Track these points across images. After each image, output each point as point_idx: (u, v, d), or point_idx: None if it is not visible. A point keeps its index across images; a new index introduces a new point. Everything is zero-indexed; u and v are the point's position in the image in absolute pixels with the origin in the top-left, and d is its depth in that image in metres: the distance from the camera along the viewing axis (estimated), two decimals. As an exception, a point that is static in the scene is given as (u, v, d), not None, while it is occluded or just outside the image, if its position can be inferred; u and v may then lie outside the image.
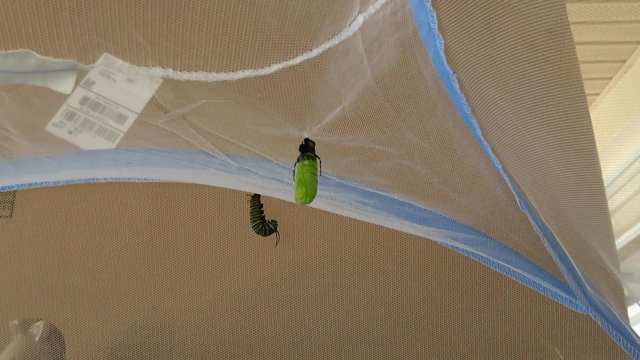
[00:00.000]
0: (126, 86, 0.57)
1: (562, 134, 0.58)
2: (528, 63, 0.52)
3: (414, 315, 0.93)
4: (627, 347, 0.77)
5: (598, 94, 1.85)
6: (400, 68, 0.59)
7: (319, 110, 0.64)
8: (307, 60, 0.57)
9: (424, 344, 0.92)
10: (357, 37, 0.56)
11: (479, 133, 0.59)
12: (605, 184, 0.63)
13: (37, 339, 0.80)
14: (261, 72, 0.58)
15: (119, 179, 0.90)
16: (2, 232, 0.94)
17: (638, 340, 0.74)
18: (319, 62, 0.58)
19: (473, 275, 0.92)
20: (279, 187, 0.77)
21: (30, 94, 0.59)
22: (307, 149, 0.66)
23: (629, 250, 1.66)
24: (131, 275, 0.93)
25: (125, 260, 0.94)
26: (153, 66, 0.57)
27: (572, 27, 0.51)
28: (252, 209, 0.93)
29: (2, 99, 0.60)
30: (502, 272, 0.87)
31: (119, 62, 0.56)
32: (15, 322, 0.83)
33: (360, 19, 0.54)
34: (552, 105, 0.55)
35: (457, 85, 0.55)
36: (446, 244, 0.89)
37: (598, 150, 0.59)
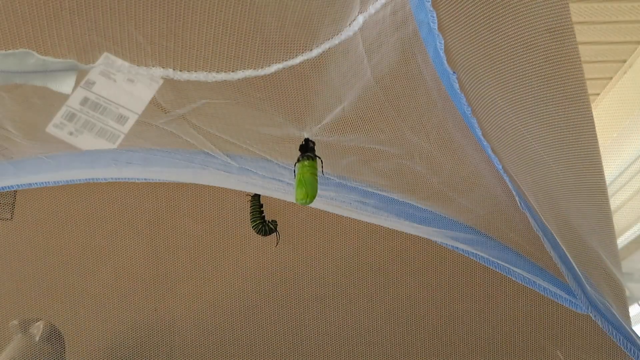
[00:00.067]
0: (126, 86, 0.57)
1: (562, 134, 0.58)
2: (528, 63, 0.52)
3: (414, 315, 0.93)
4: (627, 347, 0.76)
5: (598, 94, 1.85)
6: (400, 68, 0.59)
7: (319, 110, 0.64)
8: (307, 60, 0.57)
9: (424, 344, 0.92)
10: (357, 37, 0.56)
11: (479, 133, 0.59)
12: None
13: (37, 339, 0.80)
14: (261, 72, 0.58)
15: (119, 179, 0.90)
16: (2, 232, 0.94)
17: (638, 341, 0.74)
18: (319, 62, 0.58)
19: (473, 275, 0.92)
20: (279, 187, 0.77)
21: (30, 94, 0.59)
22: (307, 149, 0.66)
23: (629, 250, 1.66)
24: (131, 275, 0.93)
25: (125, 260, 0.94)
26: (153, 66, 0.57)
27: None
28: (252, 209, 0.93)
29: (2, 99, 0.60)
30: (502, 272, 0.86)
31: (119, 62, 0.56)
32: (15, 322, 0.83)
33: (360, 19, 0.54)
34: (552, 105, 0.55)
35: (457, 85, 0.55)
36: (446, 244, 0.89)
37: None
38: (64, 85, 0.53)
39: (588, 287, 0.74)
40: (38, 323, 0.82)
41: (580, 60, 0.52)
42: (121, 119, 0.58)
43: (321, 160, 0.67)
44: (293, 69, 0.58)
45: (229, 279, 0.94)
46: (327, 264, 0.94)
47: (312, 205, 0.68)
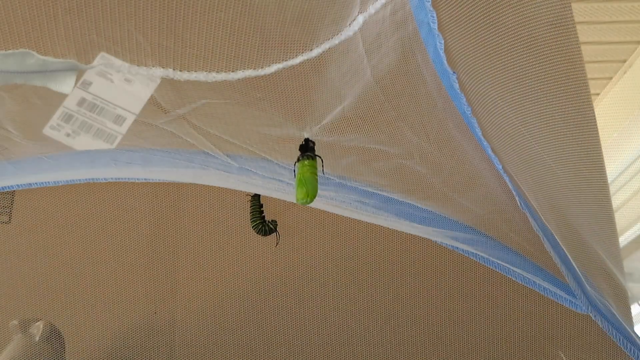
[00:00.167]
0: (124, 87, 0.57)
1: (562, 133, 0.58)
2: (528, 62, 0.52)
3: (414, 315, 0.93)
4: (627, 347, 0.76)
5: (598, 94, 1.85)
6: (400, 68, 0.59)
7: (319, 110, 0.64)
8: (307, 60, 0.57)
9: (424, 344, 0.92)
10: (357, 37, 0.56)
11: (479, 133, 0.59)
12: (605, 184, 0.63)
13: (37, 339, 0.80)
14: (261, 72, 0.58)
15: (119, 179, 0.90)
16: (1, 232, 0.94)
17: (638, 340, 0.74)
18: (319, 62, 0.58)
19: (473, 275, 0.92)
20: (279, 187, 0.77)
21: (30, 94, 0.59)
22: (307, 148, 0.66)
23: (629, 250, 1.66)
24: (131, 275, 0.93)
25: (125, 260, 0.94)
26: (153, 66, 0.57)
27: (572, 27, 0.51)
28: (252, 209, 0.93)
29: (2, 99, 0.60)
30: (502, 272, 0.86)
31: (119, 62, 0.56)
32: (15, 322, 0.83)
33: (360, 19, 0.54)
34: (552, 104, 0.55)
35: (457, 85, 0.55)
36: (446, 244, 0.89)
37: (598, 151, 0.59)
38: (64, 85, 0.53)
39: (588, 287, 0.74)
40: (38, 323, 0.82)
41: (581, 58, 0.52)
42: (119, 120, 0.58)
43: (321, 160, 0.67)
44: (293, 68, 0.58)
45: (229, 279, 0.94)
46: (327, 264, 0.94)
47: (312, 205, 0.68)
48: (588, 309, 0.79)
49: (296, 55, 0.57)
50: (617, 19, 1.56)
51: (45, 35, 0.52)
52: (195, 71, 0.58)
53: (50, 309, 0.91)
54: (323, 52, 0.57)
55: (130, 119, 0.59)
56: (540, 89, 0.54)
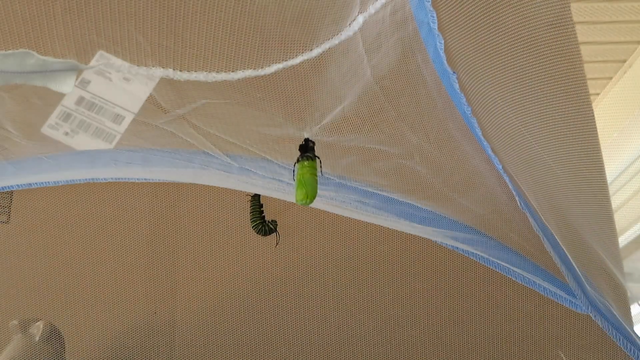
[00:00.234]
0: (122, 85, 0.57)
1: (562, 133, 0.58)
2: (528, 62, 0.52)
3: (414, 315, 0.93)
4: (627, 347, 0.76)
5: (598, 94, 1.85)
6: (400, 68, 0.59)
7: (319, 110, 0.64)
8: (307, 60, 0.57)
9: (424, 344, 0.92)
10: (357, 37, 0.56)
11: (479, 133, 0.59)
12: (605, 184, 0.63)
13: (37, 339, 0.80)
14: (261, 72, 0.58)
15: (119, 179, 0.90)
16: (1, 232, 0.94)
17: (638, 340, 0.74)
18: (319, 62, 0.58)
19: (473, 275, 0.92)
20: (279, 187, 0.77)
21: (30, 94, 0.59)
22: (307, 148, 0.66)
23: (629, 250, 1.66)
24: (131, 275, 0.93)
25: (125, 260, 0.94)
26: (153, 66, 0.56)
27: (572, 27, 0.51)
28: (252, 209, 0.93)
29: (2, 99, 0.60)
30: (502, 272, 0.86)
31: (118, 61, 0.56)
32: (15, 322, 0.83)
33: (360, 19, 0.54)
34: (552, 104, 0.55)
35: (457, 85, 0.55)
36: (446, 244, 0.89)
37: (598, 151, 0.59)
38: (64, 85, 0.53)
39: (588, 287, 0.74)
40: (38, 323, 0.82)
41: (581, 58, 0.52)
42: (117, 119, 0.58)
43: (320, 161, 0.67)
44: (293, 68, 0.58)
45: (229, 279, 0.94)
46: (327, 264, 0.94)
47: (312, 205, 0.68)
48: (588, 309, 0.79)
49: (296, 55, 0.57)
50: (617, 19, 1.56)
51: (44, 35, 0.52)
52: (195, 71, 0.58)
53: (50, 309, 0.91)
54: (323, 52, 0.57)
55: (128, 118, 0.59)
56: (540, 88, 0.54)
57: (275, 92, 0.62)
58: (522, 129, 0.57)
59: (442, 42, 0.52)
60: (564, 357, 0.88)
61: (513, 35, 0.50)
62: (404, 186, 0.75)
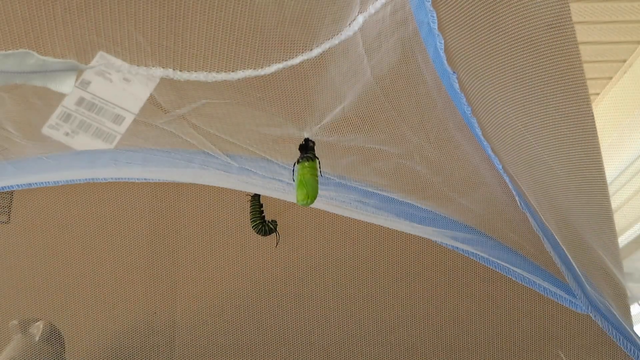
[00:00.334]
0: (122, 86, 0.57)
1: (561, 132, 0.58)
2: (528, 62, 0.52)
3: (414, 315, 0.93)
4: (627, 347, 0.76)
5: (598, 94, 1.85)
6: (400, 68, 0.59)
7: (319, 110, 0.64)
8: (307, 60, 0.57)
9: (424, 344, 0.92)
10: (357, 37, 0.56)
11: (479, 133, 0.59)
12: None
13: (36, 339, 0.80)
14: (261, 72, 0.58)
15: (118, 179, 0.90)
16: (1, 232, 0.94)
17: (638, 340, 0.74)
18: (319, 62, 0.58)
19: (473, 275, 0.92)
20: (279, 187, 0.77)
21: (30, 94, 0.59)
22: (307, 148, 0.66)
23: (629, 250, 1.66)
24: (131, 275, 0.93)
25: (125, 260, 0.94)
26: (153, 66, 0.56)
27: (572, 26, 0.51)
28: (252, 209, 0.93)
29: (2, 99, 0.60)
30: (502, 272, 0.86)
31: (118, 62, 0.56)
32: (15, 322, 0.82)
33: (360, 19, 0.54)
34: (552, 103, 0.55)
35: (457, 85, 0.55)
36: (446, 244, 0.89)
37: (598, 150, 0.59)
38: (64, 85, 0.53)
39: (588, 287, 0.74)
40: (38, 323, 0.82)
41: (580, 58, 0.52)
42: (117, 119, 0.58)
43: (319, 161, 0.67)
44: (293, 68, 0.58)
45: (229, 279, 0.94)
46: (327, 264, 0.94)
47: (312, 205, 0.68)
48: (588, 309, 0.79)
49: (296, 55, 0.57)
50: (617, 19, 1.57)
51: (44, 35, 0.52)
52: (195, 71, 0.58)
53: (50, 309, 0.91)
54: (323, 52, 0.57)
55: (129, 119, 0.59)
56: (540, 88, 0.54)
57: (275, 92, 0.62)
58: (522, 129, 0.57)
59: (442, 42, 0.52)
60: (563, 357, 0.88)
61: (513, 35, 0.50)
62: (404, 186, 0.75)
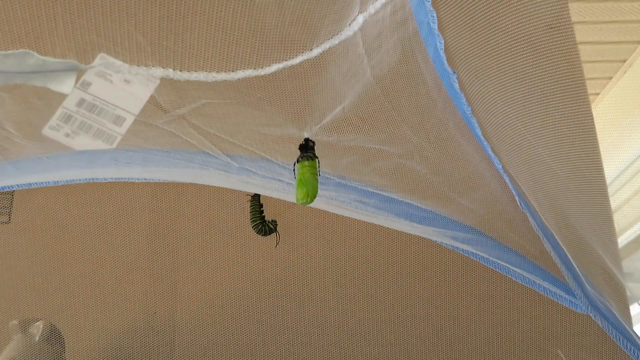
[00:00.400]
0: (123, 87, 0.57)
1: (561, 132, 0.58)
2: (528, 62, 0.52)
3: (414, 315, 0.93)
4: (627, 347, 0.77)
5: (598, 94, 1.85)
6: (400, 68, 0.59)
7: (319, 110, 0.64)
8: (307, 60, 0.57)
9: (424, 344, 0.92)
10: (357, 37, 0.56)
11: (479, 133, 0.59)
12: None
13: (36, 339, 0.80)
14: (261, 72, 0.58)
15: (118, 179, 0.90)
16: (1, 232, 0.94)
17: (638, 340, 0.74)
18: (319, 62, 0.58)
19: (473, 275, 0.92)
20: (279, 187, 0.77)
21: (30, 94, 0.59)
22: (307, 148, 0.66)
23: (629, 250, 1.66)
24: (131, 275, 0.93)
25: (125, 260, 0.94)
26: (153, 66, 0.57)
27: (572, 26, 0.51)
28: (252, 209, 0.93)
29: (2, 99, 0.60)
30: (502, 272, 0.86)
31: (118, 62, 0.56)
32: (15, 322, 0.82)
33: (360, 19, 0.54)
34: (551, 103, 0.55)
35: (457, 85, 0.55)
36: (446, 244, 0.89)
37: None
38: (64, 85, 0.53)
39: (588, 287, 0.74)
40: (38, 323, 0.82)
41: (579, 58, 0.52)
42: (118, 120, 0.58)
43: (318, 161, 0.67)
44: (293, 68, 0.58)
45: (229, 279, 0.94)
46: (327, 264, 0.94)
47: (312, 205, 0.68)
48: (588, 309, 0.79)
49: (296, 55, 0.57)
50: (617, 19, 1.56)
51: (44, 36, 0.52)
52: (195, 71, 0.58)
53: (50, 309, 0.91)
54: (323, 52, 0.57)
55: (129, 120, 0.59)
56: (540, 88, 0.54)
57: (275, 92, 0.62)
58: (522, 129, 0.57)
59: (442, 42, 0.52)
60: (563, 357, 0.88)
61: (513, 35, 0.50)
62: (404, 186, 0.75)
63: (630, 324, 0.75)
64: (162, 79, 0.58)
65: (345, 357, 0.91)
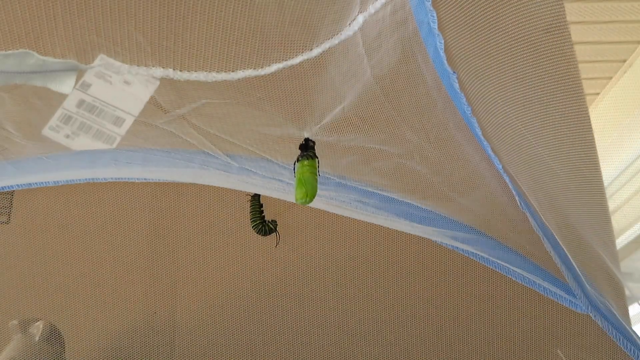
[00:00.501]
0: (123, 88, 0.57)
1: (560, 132, 0.58)
2: (528, 62, 0.52)
3: (414, 315, 0.93)
4: (627, 347, 0.77)
5: (598, 94, 1.85)
6: (400, 68, 0.59)
7: (319, 110, 0.64)
8: (307, 60, 0.57)
9: (424, 344, 0.92)
10: (357, 36, 0.56)
11: (479, 133, 0.59)
12: (605, 184, 0.63)
13: (36, 339, 0.80)
14: (261, 72, 0.58)
15: (119, 179, 0.90)
16: (1, 232, 0.94)
17: (638, 340, 0.74)
18: (319, 61, 0.58)
19: (473, 275, 0.92)
20: (279, 187, 0.77)
21: (30, 94, 0.59)
22: (307, 148, 0.66)
23: (629, 249, 1.66)
24: (131, 275, 0.93)
25: (125, 260, 0.94)
26: (153, 66, 0.57)
27: (572, 26, 0.51)
28: (252, 209, 0.93)
29: (2, 99, 0.60)
30: (502, 272, 0.87)
31: (118, 63, 0.56)
32: (15, 322, 0.82)
33: (360, 19, 0.54)
34: (551, 104, 0.55)
35: (457, 85, 0.55)
36: (446, 244, 0.89)
37: (598, 150, 0.59)
38: (64, 85, 0.53)
39: (588, 287, 0.74)
40: (38, 323, 0.82)
41: (576, 59, 0.52)
42: (118, 121, 0.58)
43: (318, 161, 0.67)
44: (293, 68, 0.58)
45: (229, 279, 0.94)
46: (327, 264, 0.94)
47: (312, 205, 0.68)
48: (588, 308, 0.79)
49: (296, 55, 0.57)
50: (617, 19, 1.56)
51: (45, 36, 0.52)
52: (195, 71, 0.58)
53: (50, 309, 0.91)
54: (323, 52, 0.57)
55: (129, 121, 0.59)
56: (539, 88, 0.54)
57: (275, 92, 0.62)
58: (522, 129, 0.57)
59: (442, 42, 0.52)
60: (563, 357, 0.88)
61: (513, 35, 0.50)
62: (404, 186, 0.75)
63: (629, 323, 0.75)
64: (162, 79, 0.58)
65: (345, 357, 0.91)
